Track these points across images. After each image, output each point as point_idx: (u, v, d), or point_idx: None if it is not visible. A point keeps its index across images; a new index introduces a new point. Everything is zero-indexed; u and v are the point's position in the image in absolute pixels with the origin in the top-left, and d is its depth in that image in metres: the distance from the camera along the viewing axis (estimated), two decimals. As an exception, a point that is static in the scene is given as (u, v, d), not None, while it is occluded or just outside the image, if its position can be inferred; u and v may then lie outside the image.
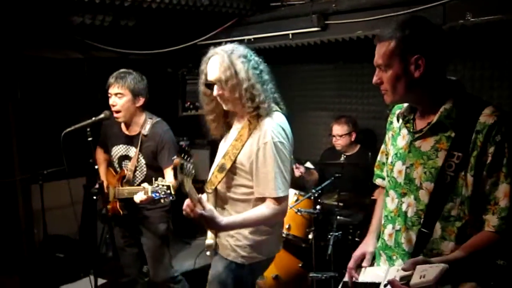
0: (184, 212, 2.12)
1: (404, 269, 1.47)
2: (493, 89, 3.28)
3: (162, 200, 2.79)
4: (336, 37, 3.63)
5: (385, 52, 1.60)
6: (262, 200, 2.18)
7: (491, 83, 3.30)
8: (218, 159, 2.32)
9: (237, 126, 2.31)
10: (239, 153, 2.21)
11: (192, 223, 3.29)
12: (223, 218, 2.08)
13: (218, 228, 2.10)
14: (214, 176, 2.28)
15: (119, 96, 2.97)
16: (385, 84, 1.65)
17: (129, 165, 3.10)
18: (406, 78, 1.59)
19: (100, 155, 3.36)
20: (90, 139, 2.95)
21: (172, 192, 2.73)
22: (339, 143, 3.96)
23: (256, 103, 2.14)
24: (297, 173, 3.99)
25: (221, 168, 2.25)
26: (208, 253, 2.39)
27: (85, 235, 4.47)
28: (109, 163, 3.34)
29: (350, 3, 3.43)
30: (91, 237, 4.53)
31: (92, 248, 4.45)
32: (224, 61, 2.14)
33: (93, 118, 3.01)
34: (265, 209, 2.15)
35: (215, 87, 2.18)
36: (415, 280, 1.40)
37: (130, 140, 3.09)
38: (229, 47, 2.21)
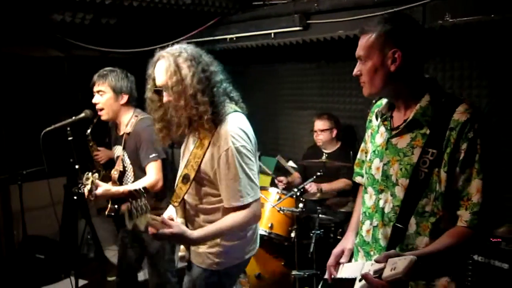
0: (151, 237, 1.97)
1: (376, 261, 1.49)
2: (472, 88, 3.34)
3: (90, 196, 2.74)
4: (318, 37, 3.65)
5: (366, 44, 1.65)
6: (233, 209, 2.08)
7: (470, 82, 3.35)
8: (180, 169, 2.22)
9: (195, 132, 2.14)
10: (201, 161, 2.09)
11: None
12: (194, 232, 2.00)
13: (190, 242, 2.06)
14: (179, 188, 2.17)
15: (101, 94, 2.94)
16: (363, 76, 1.68)
17: (116, 166, 3.07)
18: (383, 71, 1.63)
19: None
20: (70, 138, 2.92)
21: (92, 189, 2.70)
22: (320, 138, 4.01)
23: (206, 109, 2.00)
24: (281, 186, 4.04)
25: (185, 179, 2.14)
26: (179, 265, 2.32)
27: (66, 236, 4.42)
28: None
29: (331, 3, 3.44)
30: (72, 238, 4.49)
31: (73, 249, 4.40)
32: (170, 65, 2.01)
33: (73, 117, 2.99)
34: (237, 216, 2.06)
35: (164, 93, 2.05)
36: (386, 272, 1.43)
37: (119, 140, 3.06)
38: (176, 49, 2.07)
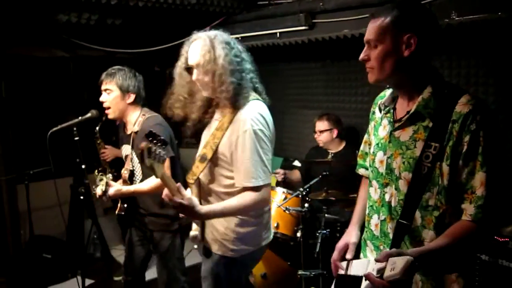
0: (164, 201, 2.08)
1: (377, 260, 1.48)
2: (479, 86, 3.32)
3: (103, 198, 2.78)
4: (323, 36, 3.64)
5: (378, 28, 1.59)
6: (244, 190, 2.13)
7: (477, 80, 3.34)
8: (200, 149, 2.29)
9: (218, 116, 2.27)
10: (219, 142, 2.16)
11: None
12: (203, 207, 2.05)
13: (197, 216, 2.07)
14: (196, 167, 2.23)
15: (108, 92, 2.95)
16: (372, 61, 1.63)
17: (125, 165, 3.08)
18: (395, 56, 1.58)
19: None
20: (76, 138, 2.93)
21: (107, 190, 2.71)
22: (320, 139, 4.00)
23: (232, 91, 2.10)
24: (279, 178, 4.02)
25: (202, 158, 2.20)
26: (195, 246, 2.38)
27: (72, 236, 4.43)
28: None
29: (337, 2, 3.44)
30: (78, 238, 4.50)
31: (80, 249, 4.41)
32: (206, 44, 2.11)
33: (80, 118, 3.00)
34: (245, 197, 2.11)
35: (195, 71, 2.15)
36: (387, 272, 1.42)
37: (128, 139, 3.07)
38: (213, 32, 2.18)
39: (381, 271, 1.45)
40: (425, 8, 1.64)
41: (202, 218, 2.19)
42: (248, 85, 2.18)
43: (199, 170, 2.22)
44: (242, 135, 2.09)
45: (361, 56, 1.67)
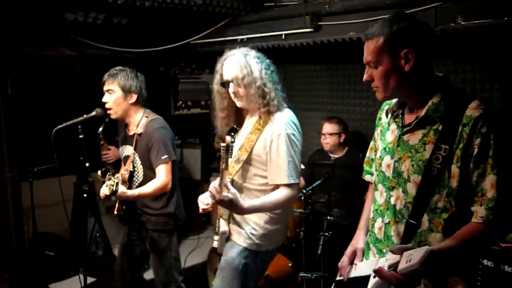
0: (209, 194, 2.24)
1: (391, 251, 1.50)
2: (484, 91, 3.32)
3: (112, 197, 2.80)
4: (328, 38, 3.64)
5: (374, 49, 1.62)
6: (275, 188, 2.36)
7: (482, 85, 3.34)
8: (234, 152, 2.45)
9: (251, 121, 2.48)
10: (254, 144, 2.38)
11: (183, 223, 3.29)
12: (245, 202, 2.22)
13: (240, 210, 2.23)
14: (232, 167, 2.41)
15: (110, 93, 2.97)
16: (376, 81, 1.67)
17: (125, 166, 3.09)
18: (396, 73, 1.61)
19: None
20: (81, 136, 2.95)
21: (117, 190, 2.73)
22: (327, 141, 3.99)
23: (268, 99, 2.34)
24: None
25: (237, 160, 2.42)
26: (215, 243, 2.55)
27: (75, 233, 4.44)
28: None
29: (343, 4, 3.44)
30: (81, 235, 4.51)
31: (82, 246, 4.42)
32: (241, 60, 2.34)
33: (84, 116, 3.01)
34: (280, 194, 2.32)
35: (231, 85, 2.36)
36: (402, 265, 1.42)
37: (129, 140, 3.07)
38: (244, 49, 2.41)
39: (393, 265, 1.46)
40: (416, 20, 1.65)
41: (243, 212, 2.32)
42: (279, 94, 2.41)
43: (234, 170, 2.42)
44: (277, 137, 2.31)
45: (365, 77, 1.70)
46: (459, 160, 1.55)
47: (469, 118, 1.54)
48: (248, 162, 2.41)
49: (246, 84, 2.33)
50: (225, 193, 2.14)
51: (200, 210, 2.51)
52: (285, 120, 2.35)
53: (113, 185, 2.70)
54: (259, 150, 2.38)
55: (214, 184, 2.19)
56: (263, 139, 2.36)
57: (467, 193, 1.57)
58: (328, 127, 3.98)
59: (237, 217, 2.48)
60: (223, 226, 2.52)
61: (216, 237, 2.58)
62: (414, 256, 1.40)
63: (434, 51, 1.66)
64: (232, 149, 2.17)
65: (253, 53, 2.41)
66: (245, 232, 2.45)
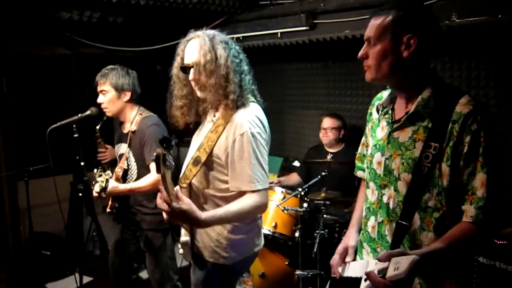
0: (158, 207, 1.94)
1: (379, 260, 1.47)
2: (480, 88, 3.32)
3: (102, 194, 2.76)
4: (324, 36, 3.64)
5: (379, 25, 1.59)
6: (240, 195, 2.06)
7: (478, 83, 3.34)
8: (191, 152, 2.20)
9: (212, 118, 2.17)
10: (214, 145, 2.08)
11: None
12: (202, 213, 1.92)
13: (197, 223, 1.91)
14: (189, 170, 2.14)
15: (104, 93, 2.97)
16: (370, 60, 1.62)
17: (120, 163, 3.09)
18: (393, 56, 1.58)
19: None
20: (76, 135, 2.94)
21: (107, 186, 2.70)
22: (328, 135, 4.00)
23: (228, 91, 2.05)
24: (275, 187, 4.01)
25: (196, 161, 2.11)
26: (181, 251, 2.27)
27: (72, 233, 4.44)
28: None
29: (338, 2, 3.44)
30: (77, 235, 4.51)
31: (79, 246, 4.42)
32: (206, 44, 2.04)
33: (79, 115, 3.01)
34: (244, 202, 2.02)
35: (192, 70, 2.06)
36: (390, 272, 1.41)
37: (124, 138, 3.08)
38: (210, 31, 2.11)
39: (382, 271, 1.44)
40: (427, 10, 1.62)
41: (202, 225, 2.00)
42: (247, 86, 2.12)
43: (192, 174, 2.13)
44: (239, 137, 2.02)
45: (360, 53, 1.66)
46: (449, 158, 1.53)
47: (459, 115, 1.51)
48: (207, 164, 2.10)
49: (208, 71, 2.02)
50: (176, 204, 1.81)
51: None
52: (249, 117, 2.05)
53: (103, 182, 2.69)
54: (219, 151, 2.07)
55: (160, 195, 1.86)
56: (225, 138, 2.06)
57: (457, 191, 1.55)
58: (330, 122, 4.01)
59: (198, 228, 2.20)
60: (183, 236, 2.24)
61: (179, 245, 2.29)
62: (401, 264, 1.38)
63: (436, 44, 1.63)
64: (169, 160, 1.73)
65: (221, 36, 2.10)
66: (210, 245, 2.18)
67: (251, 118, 2.06)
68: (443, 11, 2.86)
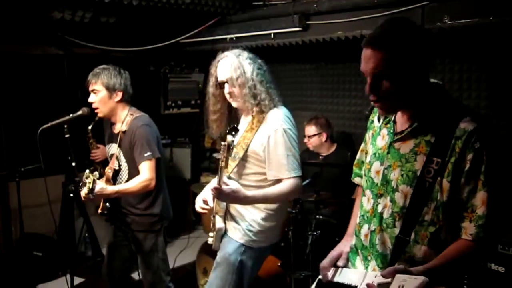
0: (211, 193, 2.26)
1: (383, 276, 1.46)
2: (471, 90, 3.34)
3: (90, 196, 2.69)
4: (317, 38, 3.65)
5: (392, 58, 1.50)
6: (276, 183, 2.40)
7: (470, 85, 3.35)
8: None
9: (246, 119, 2.56)
10: (250, 142, 2.44)
11: (173, 223, 3.28)
12: (246, 192, 2.30)
13: (243, 199, 2.29)
14: (229, 165, 2.42)
15: (95, 93, 2.96)
16: (391, 96, 1.55)
17: (110, 164, 3.07)
18: (405, 86, 1.53)
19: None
20: (67, 136, 2.92)
21: (94, 188, 2.65)
22: (310, 142, 4.03)
23: (259, 99, 2.42)
24: None
25: (234, 157, 2.47)
26: (210, 240, 2.59)
27: (63, 234, 4.41)
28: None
29: (331, 3, 3.44)
30: (69, 236, 4.49)
31: (70, 247, 4.40)
32: (234, 61, 2.43)
33: (71, 115, 2.99)
34: (283, 185, 2.37)
35: (226, 85, 2.44)
36: None
37: (115, 138, 3.06)
38: (236, 51, 2.50)
39: (383, 285, 1.43)
40: (418, 27, 1.58)
41: (245, 201, 2.36)
42: (272, 92, 2.49)
43: (231, 168, 2.48)
44: (274, 133, 2.38)
45: (368, 89, 1.57)
46: (450, 174, 1.52)
47: (462, 131, 1.50)
48: (244, 159, 2.48)
49: (240, 84, 2.41)
50: (225, 187, 2.20)
51: (198, 208, 2.53)
52: (281, 116, 2.42)
53: (90, 183, 2.65)
54: (255, 147, 2.43)
55: (214, 182, 2.23)
56: (260, 135, 2.43)
57: (455, 207, 1.55)
58: (308, 129, 4.02)
59: (234, 213, 2.54)
60: (219, 223, 2.57)
61: (211, 234, 2.60)
62: (408, 283, 1.36)
63: (433, 58, 1.60)
64: (233, 148, 2.20)
65: (245, 54, 2.50)
66: (242, 228, 2.50)
67: (282, 117, 2.43)
68: (435, 13, 2.87)
